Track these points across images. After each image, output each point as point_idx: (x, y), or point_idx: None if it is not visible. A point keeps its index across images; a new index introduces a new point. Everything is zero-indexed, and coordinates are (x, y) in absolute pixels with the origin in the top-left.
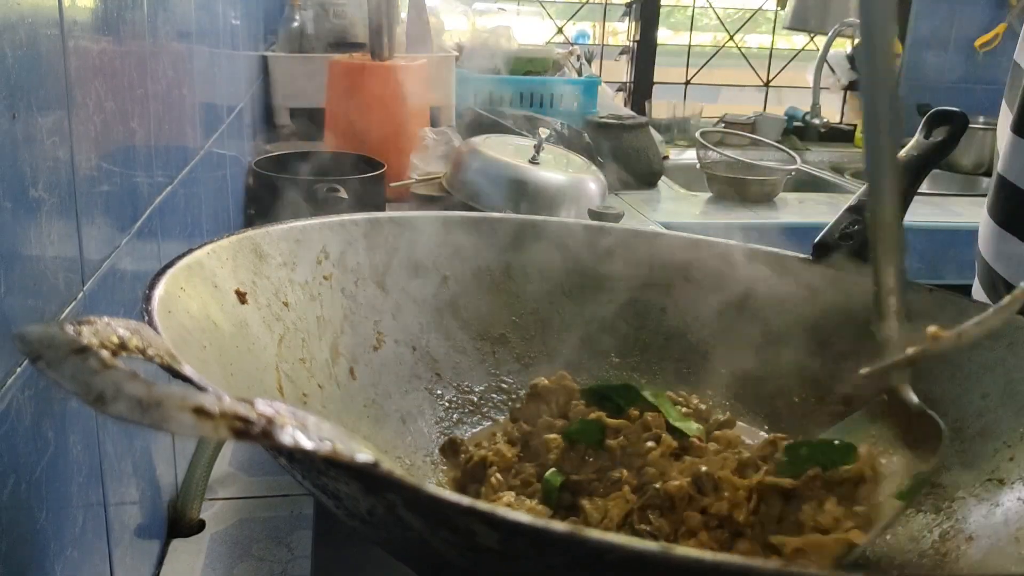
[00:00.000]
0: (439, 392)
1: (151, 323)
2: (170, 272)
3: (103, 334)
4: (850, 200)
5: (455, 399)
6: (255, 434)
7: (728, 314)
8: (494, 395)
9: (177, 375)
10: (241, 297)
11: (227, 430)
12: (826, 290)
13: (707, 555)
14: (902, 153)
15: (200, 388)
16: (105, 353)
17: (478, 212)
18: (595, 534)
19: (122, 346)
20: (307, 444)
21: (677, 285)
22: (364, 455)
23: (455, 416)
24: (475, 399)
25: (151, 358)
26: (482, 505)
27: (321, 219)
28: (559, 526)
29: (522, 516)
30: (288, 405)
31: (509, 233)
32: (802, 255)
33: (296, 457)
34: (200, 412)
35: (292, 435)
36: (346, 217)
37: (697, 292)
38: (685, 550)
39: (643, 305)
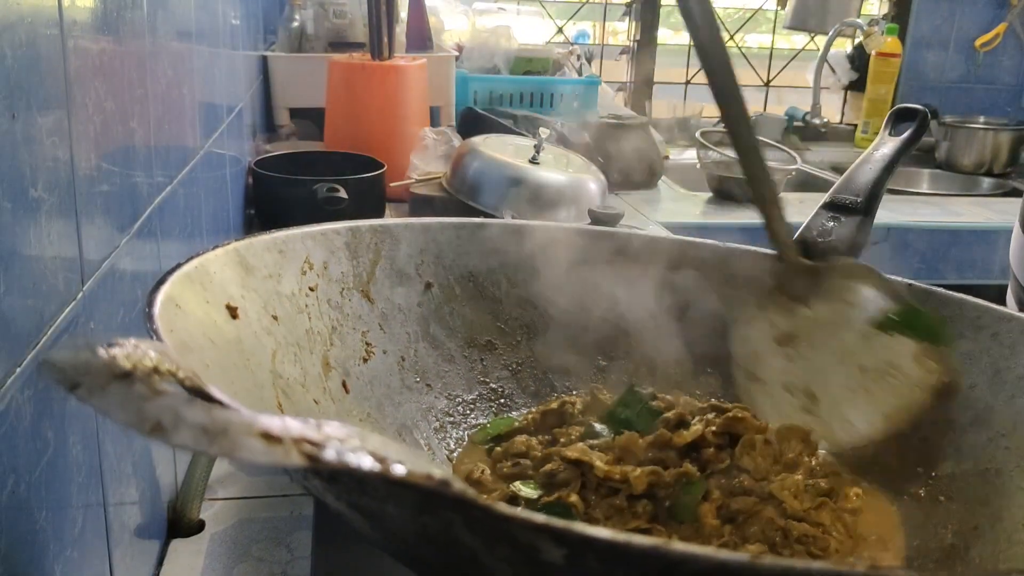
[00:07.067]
0: (431, 402)
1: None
2: (165, 290)
3: (135, 357)
4: (824, 197)
5: (447, 408)
6: (328, 459)
7: (713, 315)
8: (484, 403)
9: (212, 402)
10: (232, 312)
11: (299, 455)
12: (804, 287)
13: (798, 563)
14: (869, 150)
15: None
16: (155, 378)
17: (471, 215)
18: (679, 546)
19: (155, 369)
20: (378, 468)
21: (661, 287)
22: (439, 473)
23: (449, 426)
24: (466, 408)
25: (182, 381)
26: (556, 522)
27: (302, 228)
28: (640, 540)
29: (601, 531)
30: (345, 424)
31: (491, 238)
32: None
33: (343, 478)
34: (268, 437)
35: (365, 459)
36: (327, 226)
37: (679, 294)
38: (774, 559)
39: (629, 308)
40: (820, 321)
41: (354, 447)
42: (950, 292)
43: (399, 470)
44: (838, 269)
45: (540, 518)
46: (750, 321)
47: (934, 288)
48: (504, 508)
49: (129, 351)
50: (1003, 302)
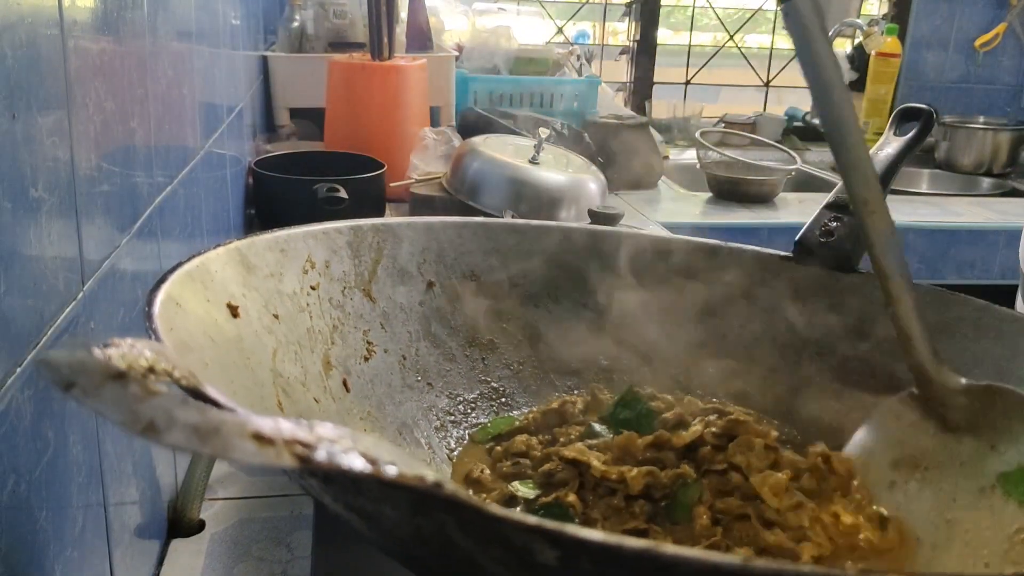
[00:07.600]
0: (432, 401)
1: (158, 342)
2: (166, 288)
3: (130, 357)
4: (827, 197)
5: (448, 407)
6: (319, 460)
7: (713, 314)
8: (485, 402)
9: (208, 401)
10: (233, 311)
11: (290, 456)
12: (808, 287)
13: (790, 566)
14: (874, 150)
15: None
16: (151, 378)
17: (469, 215)
18: (670, 549)
19: (151, 369)
20: (369, 469)
21: (664, 287)
22: (431, 476)
23: (449, 425)
24: (467, 407)
25: (178, 381)
26: (549, 524)
27: (304, 228)
28: (633, 542)
29: (593, 533)
30: (338, 425)
31: (493, 237)
32: (783, 253)
33: (337, 479)
34: (260, 439)
35: (356, 460)
36: (329, 225)
37: (682, 294)
38: (766, 562)
39: (630, 308)
40: (954, 453)
41: (346, 448)
42: (953, 292)
43: (391, 471)
44: (1004, 399)
45: (533, 520)
46: (879, 429)
47: (936, 288)
48: (496, 509)
49: (125, 351)
50: (1002, 301)
